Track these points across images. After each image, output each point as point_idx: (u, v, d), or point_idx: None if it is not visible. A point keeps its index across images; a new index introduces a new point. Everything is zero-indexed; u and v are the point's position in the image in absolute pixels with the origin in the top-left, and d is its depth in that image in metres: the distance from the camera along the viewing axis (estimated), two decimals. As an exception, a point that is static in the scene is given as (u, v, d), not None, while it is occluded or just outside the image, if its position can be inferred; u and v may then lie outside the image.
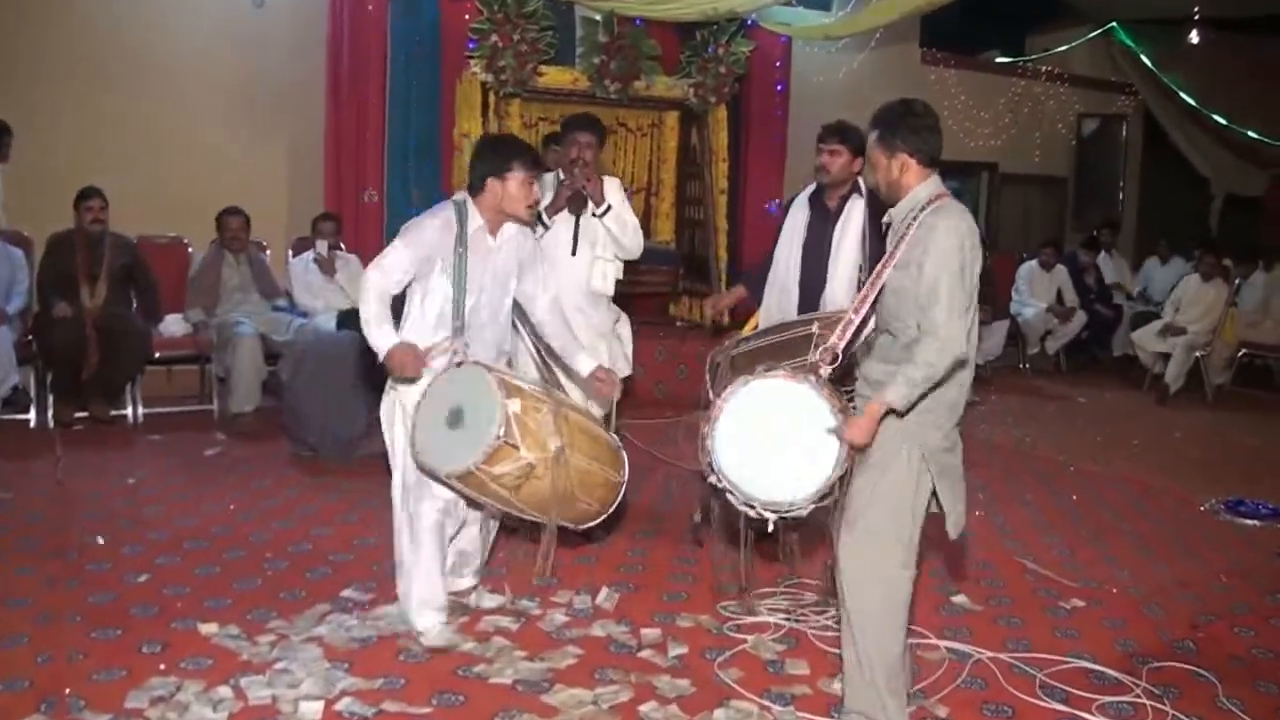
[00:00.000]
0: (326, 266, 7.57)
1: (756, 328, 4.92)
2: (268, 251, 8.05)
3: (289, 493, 5.74)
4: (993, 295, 10.41)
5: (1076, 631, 4.34)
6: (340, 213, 8.17)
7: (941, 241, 3.12)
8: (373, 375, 6.27)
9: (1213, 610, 4.68)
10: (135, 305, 7.34)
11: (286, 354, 7.07)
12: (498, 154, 3.95)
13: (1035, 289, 10.88)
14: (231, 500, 5.53)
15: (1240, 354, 10.15)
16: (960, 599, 4.59)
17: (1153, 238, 12.48)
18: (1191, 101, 12.07)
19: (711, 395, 3.88)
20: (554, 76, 8.27)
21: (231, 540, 4.92)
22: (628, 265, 5.37)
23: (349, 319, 6.84)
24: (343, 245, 7.83)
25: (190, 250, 7.89)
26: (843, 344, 3.33)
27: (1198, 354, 9.72)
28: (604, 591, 4.41)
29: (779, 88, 9.97)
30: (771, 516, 3.40)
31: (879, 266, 3.29)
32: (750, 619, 4.26)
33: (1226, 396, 9.98)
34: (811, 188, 5.01)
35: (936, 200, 3.22)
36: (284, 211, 8.44)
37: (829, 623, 4.22)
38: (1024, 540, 5.48)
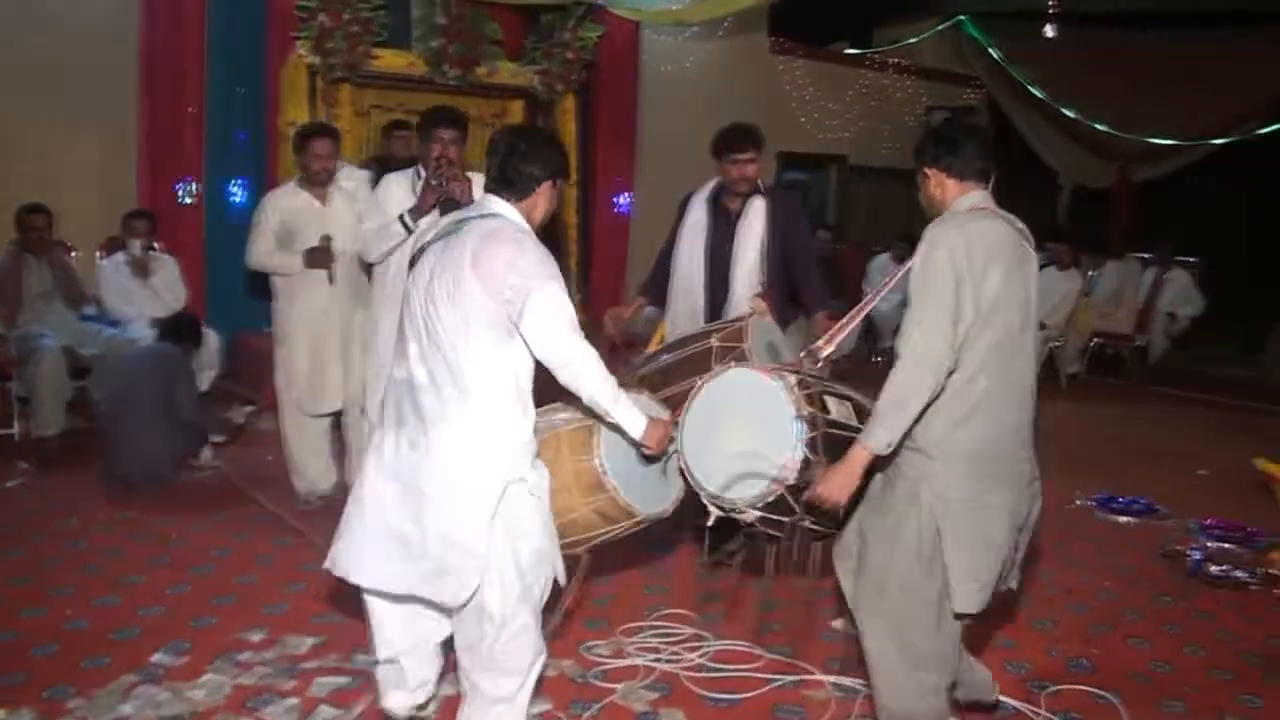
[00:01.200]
0: (140, 269, 6.93)
1: (664, 339, 4.68)
2: (74, 253, 7.31)
3: (97, 532, 5.08)
4: (839, 289, 10.25)
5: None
6: (155, 209, 7.47)
7: (924, 252, 2.86)
8: (177, 405, 5.78)
9: (1104, 620, 4.50)
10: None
11: (96, 369, 6.46)
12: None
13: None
14: (31, 543, 4.87)
15: (1092, 343, 10.28)
16: (838, 623, 4.24)
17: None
18: (1040, 95, 12.12)
19: None
20: (388, 60, 7.75)
21: (28, 594, 4.28)
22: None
23: (174, 329, 6.26)
24: (157, 245, 7.17)
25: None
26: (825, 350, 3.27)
27: (1052, 345, 9.73)
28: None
29: (628, 76, 9.59)
30: (715, 511, 3.22)
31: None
32: (618, 663, 3.84)
33: (1080, 386, 10.07)
34: (710, 186, 4.86)
35: (970, 212, 2.97)
36: (93, 209, 7.65)
37: (703, 660, 3.85)
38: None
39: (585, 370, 2.93)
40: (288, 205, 5.41)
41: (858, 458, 2.87)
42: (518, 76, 8.24)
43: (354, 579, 3.03)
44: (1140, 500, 6.08)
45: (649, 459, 3.26)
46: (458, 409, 2.87)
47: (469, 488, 2.87)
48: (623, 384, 3.06)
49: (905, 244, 10.55)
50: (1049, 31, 11.57)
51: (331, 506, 5.29)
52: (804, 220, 4.91)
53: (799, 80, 12.07)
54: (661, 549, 5.05)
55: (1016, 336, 2.94)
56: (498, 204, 3.00)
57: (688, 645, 3.98)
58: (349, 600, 4.20)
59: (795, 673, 3.80)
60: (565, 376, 2.94)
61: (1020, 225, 3.04)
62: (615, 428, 3.09)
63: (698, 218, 4.85)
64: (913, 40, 13.08)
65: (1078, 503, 6.12)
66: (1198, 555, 5.26)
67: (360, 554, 2.99)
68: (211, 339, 7.02)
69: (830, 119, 12.34)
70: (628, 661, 3.84)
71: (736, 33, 11.06)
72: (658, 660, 3.85)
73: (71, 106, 7.70)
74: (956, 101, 13.68)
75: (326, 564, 3.07)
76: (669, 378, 3.79)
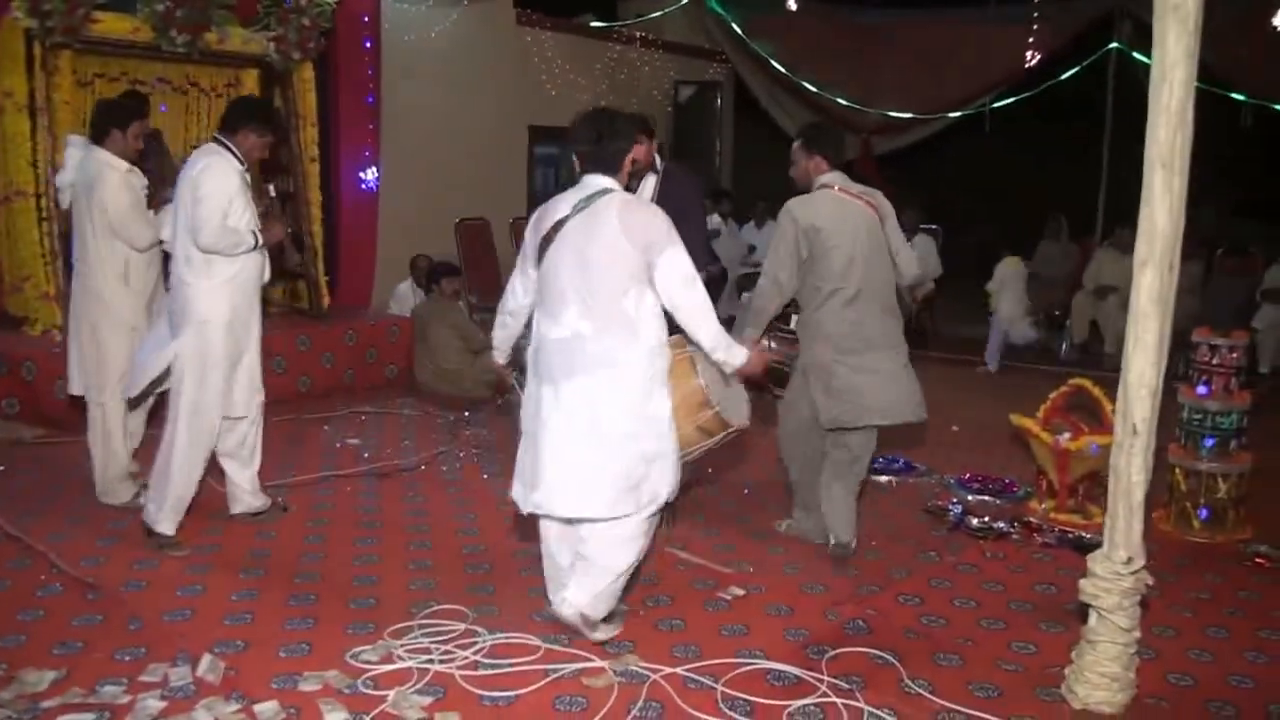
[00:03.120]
0: None
1: None
2: None
3: None
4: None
5: (744, 626, 4.04)
6: None
7: None
8: None
9: (873, 580, 4.57)
10: None
11: None
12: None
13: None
14: None
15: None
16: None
17: (748, 202, 12.67)
18: (780, 68, 12.36)
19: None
20: (110, 25, 7.07)
21: None
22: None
23: None
24: None
25: None
26: None
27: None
28: (206, 659, 3.58)
29: (367, 44, 9.16)
30: None
31: None
32: (387, 667, 3.60)
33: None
34: None
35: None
36: None
37: (478, 658, 3.67)
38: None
39: (704, 315, 3.64)
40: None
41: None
42: (251, 44, 7.70)
43: (551, 511, 3.67)
44: (898, 459, 6.24)
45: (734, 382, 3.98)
46: (625, 353, 3.55)
47: (646, 415, 3.60)
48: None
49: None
50: (791, 3, 11.78)
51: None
52: (696, 194, 5.24)
53: (547, 53, 11.89)
54: (422, 543, 4.85)
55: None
56: (605, 180, 3.64)
57: (460, 642, 3.78)
58: (94, 626, 3.84)
59: (575, 661, 3.66)
60: (684, 318, 3.64)
61: None
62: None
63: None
64: (656, 15, 13.07)
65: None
66: (959, 510, 5.45)
67: (553, 490, 3.60)
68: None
69: (579, 93, 12.22)
70: (397, 666, 3.61)
71: (481, 2, 10.80)
72: (429, 662, 3.63)
73: None
74: (703, 76, 13.83)
75: (524, 509, 3.70)
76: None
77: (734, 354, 3.73)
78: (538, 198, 11.86)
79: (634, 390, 3.58)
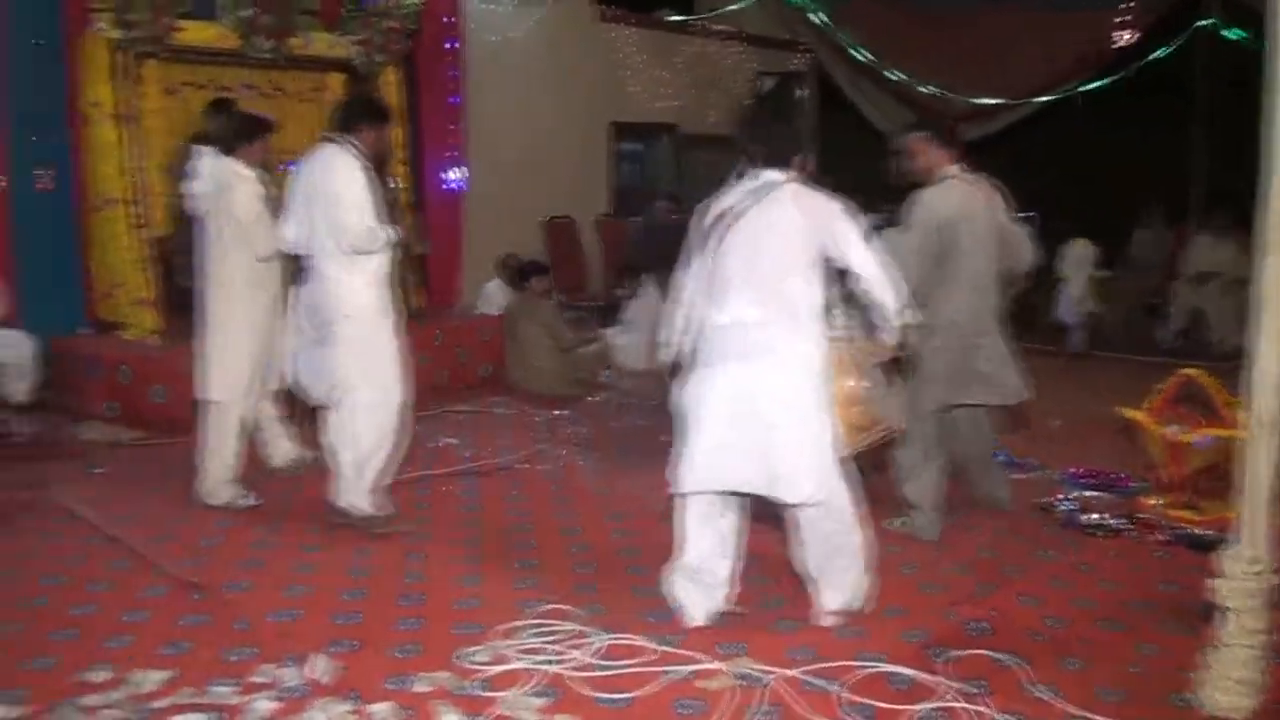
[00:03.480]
0: None
1: None
2: None
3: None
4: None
5: (862, 628, 3.89)
6: None
7: None
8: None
9: (990, 579, 4.41)
10: None
11: None
12: None
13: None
14: None
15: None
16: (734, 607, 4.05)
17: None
18: (863, 58, 12.16)
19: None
20: (195, 33, 7.17)
21: None
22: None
23: None
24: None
25: None
26: None
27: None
28: (318, 659, 3.53)
29: (451, 45, 9.16)
30: None
31: None
32: (499, 668, 3.53)
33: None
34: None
35: None
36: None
37: (591, 659, 3.58)
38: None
39: (889, 276, 3.75)
40: None
41: None
42: (335, 47, 7.75)
43: (712, 486, 3.73)
44: (1000, 453, 6.05)
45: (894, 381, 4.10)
46: (791, 338, 3.64)
47: (810, 402, 3.65)
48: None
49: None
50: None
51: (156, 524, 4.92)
52: None
53: (628, 49, 11.82)
54: (525, 542, 4.79)
55: None
56: (778, 174, 3.74)
57: (572, 643, 3.70)
58: (201, 627, 3.83)
59: (689, 663, 3.57)
60: (869, 280, 3.73)
61: None
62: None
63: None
64: (735, 7, 12.94)
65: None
66: (1070, 506, 5.25)
67: (714, 466, 3.68)
68: (26, 344, 6.40)
69: (661, 87, 12.14)
70: (510, 667, 3.53)
71: (563, 0, 10.77)
72: (542, 663, 3.56)
73: None
74: (785, 67, 13.66)
75: (685, 487, 3.75)
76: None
77: (905, 318, 3.87)
78: (621, 195, 11.82)
79: (807, 377, 3.65)
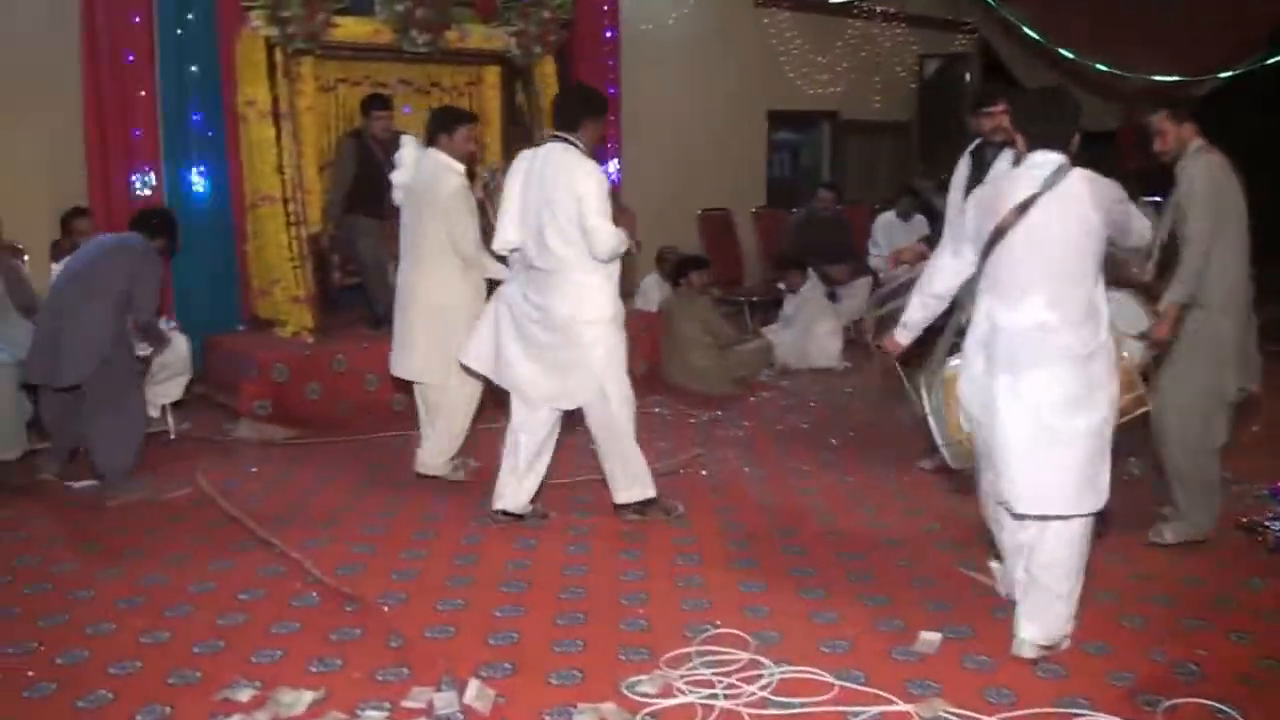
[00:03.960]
0: None
1: None
2: (25, 258, 6.64)
3: (61, 571, 4.41)
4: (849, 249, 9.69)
5: (1061, 667, 3.50)
6: (110, 203, 6.96)
7: None
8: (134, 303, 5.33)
9: (1197, 612, 3.97)
10: None
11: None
12: None
13: (894, 242, 10.17)
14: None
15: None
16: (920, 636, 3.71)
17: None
18: (1036, 37, 11.55)
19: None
20: (350, 28, 7.13)
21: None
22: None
23: (144, 219, 5.69)
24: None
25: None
26: None
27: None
28: (473, 685, 3.32)
29: (607, 34, 8.97)
30: None
31: None
32: (667, 701, 3.27)
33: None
34: (975, 143, 5.21)
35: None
36: (43, 207, 6.90)
37: (765, 694, 3.30)
38: (955, 538, 4.67)
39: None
40: None
41: None
42: (492, 40, 7.63)
43: (1034, 510, 3.46)
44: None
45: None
46: (1090, 343, 3.41)
47: (1103, 406, 3.44)
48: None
49: (911, 199, 9.99)
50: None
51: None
52: None
53: (786, 34, 11.45)
54: (690, 555, 4.53)
55: None
56: (1059, 157, 3.45)
57: (745, 675, 3.42)
58: (353, 642, 3.68)
59: (875, 703, 3.25)
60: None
61: None
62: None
63: (962, 169, 5.23)
64: (896, -15, 12.47)
65: (1135, 472, 5.55)
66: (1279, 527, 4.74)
67: (1016, 486, 3.43)
68: (181, 343, 6.42)
69: (820, 73, 11.75)
70: (680, 700, 3.27)
71: (719, -15, 10.51)
72: (713, 697, 3.28)
73: (14, 101, 7.04)
74: (949, 49, 13.10)
75: (1012, 502, 3.48)
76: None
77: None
78: (778, 185, 11.49)
79: (1096, 381, 3.44)
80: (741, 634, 3.69)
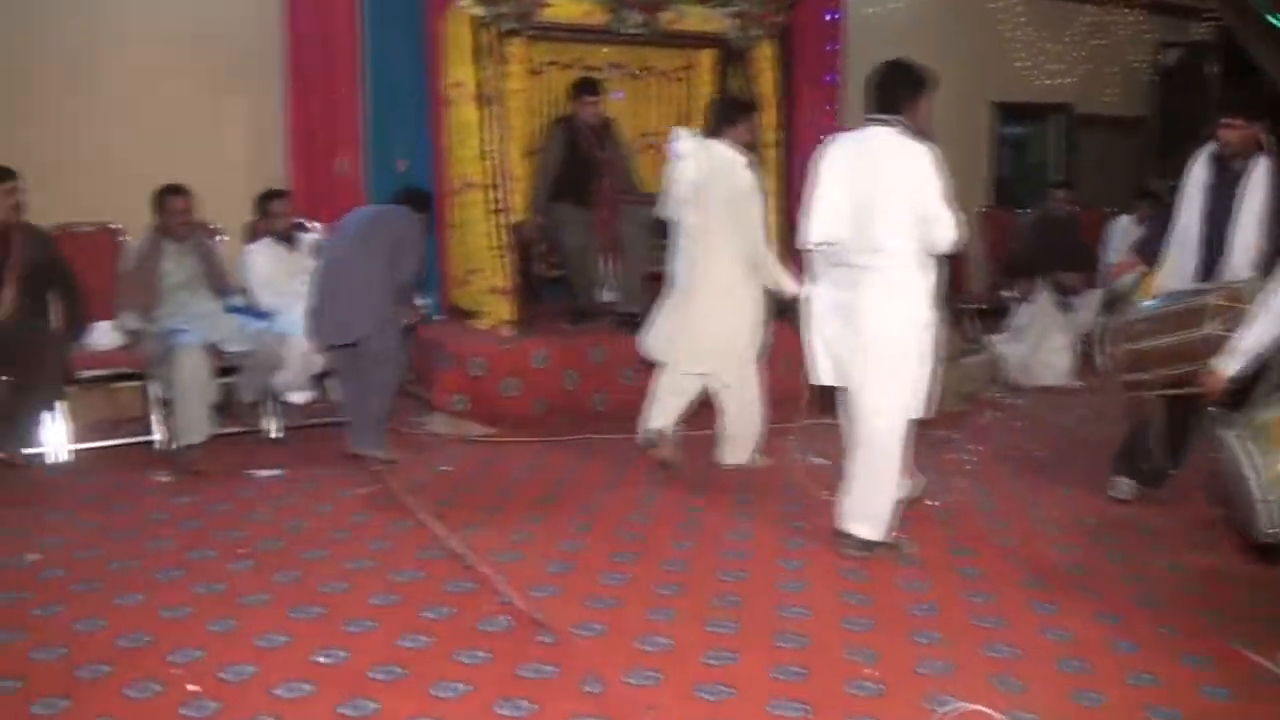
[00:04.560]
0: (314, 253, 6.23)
1: (1152, 293, 4.89)
2: (220, 238, 6.56)
3: (240, 571, 4.20)
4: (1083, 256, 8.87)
5: None
6: (310, 186, 6.91)
7: None
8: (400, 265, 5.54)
9: None
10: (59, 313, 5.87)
11: (247, 367, 5.86)
12: None
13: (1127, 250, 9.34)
14: (158, 592, 3.97)
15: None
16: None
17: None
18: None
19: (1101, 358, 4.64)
20: (563, 8, 6.81)
21: (141, 666, 3.40)
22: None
23: (407, 194, 5.83)
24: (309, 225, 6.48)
25: (124, 240, 6.36)
26: None
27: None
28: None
29: (830, 17, 8.44)
30: None
31: None
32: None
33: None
34: (1212, 145, 4.88)
35: None
36: (239, 188, 6.76)
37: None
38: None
39: None
40: None
41: None
42: (710, 22, 7.19)
43: None
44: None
45: None
46: None
47: None
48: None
49: (1151, 201, 9.07)
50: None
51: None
52: None
53: (1017, 19, 10.64)
54: (925, 607, 3.97)
55: None
56: None
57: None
58: (544, 681, 3.21)
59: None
60: None
61: None
62: None
63: (1199, 174, 4.88)
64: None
65: None
66: None
67: None
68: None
69: (1052, 62, 10.89)
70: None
71: (947, -33, 9.81)
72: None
73: (215, 79, 7.00)
74: (1189, 37, 12.02)
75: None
76: (1158, 327, 4.49)
77: None
78: (1004, 184, 10.73)
79: None
80: (991, 713, 3.12)
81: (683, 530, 4.64)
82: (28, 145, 6.04)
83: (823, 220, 4.30)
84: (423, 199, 5.86)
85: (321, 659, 3.40)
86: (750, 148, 5.32)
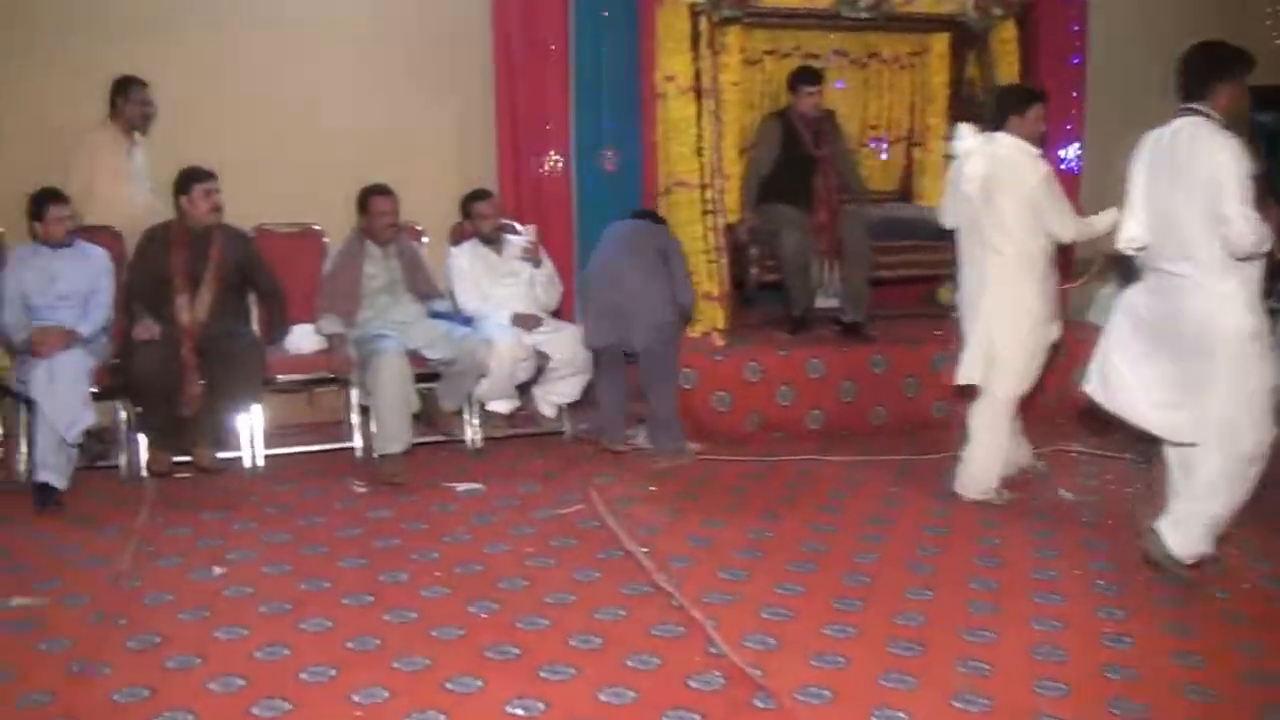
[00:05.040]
0: (533, 256, 6.04)
1: None
2: (424, 240, 6.35)
3: (429, 598, 3.91)
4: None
5: None
6: (518, 185, 6.65)
7: None
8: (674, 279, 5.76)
9: None
10: (255, 316, 5.82)
11: (449, 375, 5.66)
12: None
13: None
14: (346, 620, 3.72)
15: None
16: None
17: None
18: None
19: None
20: (783, -8, 6.37)
21: (322, 707, 3.12)
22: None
23: (645, 212, 6.07)
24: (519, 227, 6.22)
25: (326, 242, 6.20)
26: None
27: None
28: None
29: (1078, -3, 7.73)
30: None
31: None
32: None
33: None
34: None
35: None
36: (445, 187, 6.54)
37: None
38: None
39: None
40: None
41: None
42: (944, 3, 6.61)
43: None
44: None
45: None
46: None
47: None
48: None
49: None
50: None
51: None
52: None
53: (1278, -8, 9.60)
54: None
55: None
56: None
57: None
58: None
59: None
60: None
61: None
62: None
63: None
64: None
65: None
66: None
67: None
68: (577, 341, 5.94)
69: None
70: None
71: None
72: None
73: (421, 76, 6.81)
74: None
75: None
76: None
77: None
78: (1270, 181, 9.68)
79: None
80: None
81: (919, 574, 4.10)
82: (227, 146, 5.95)
83: (1131, 224, 4.06)
84: (658, 215, 6.08)
85: (518, 710, 3.06)
86: (1039, 140, 4.90)
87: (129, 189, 5.94)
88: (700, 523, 4.70)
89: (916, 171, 7.51)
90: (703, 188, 6.30)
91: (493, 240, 6.05)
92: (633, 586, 3.96)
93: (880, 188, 7.38)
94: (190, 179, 5.39)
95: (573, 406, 6.09)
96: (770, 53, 7.11)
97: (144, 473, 5.27)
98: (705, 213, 6.31)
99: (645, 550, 4.29)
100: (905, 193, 7.55)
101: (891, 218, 6.81)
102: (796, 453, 5.70)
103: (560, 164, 6.75)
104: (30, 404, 5.02)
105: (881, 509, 4.88)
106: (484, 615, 3.71)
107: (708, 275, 6.30)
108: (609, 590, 3.94)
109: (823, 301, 6.75)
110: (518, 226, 6.22)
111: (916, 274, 6.96)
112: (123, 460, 5.39)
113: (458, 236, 6.24)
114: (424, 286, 5.90)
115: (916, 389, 6.22)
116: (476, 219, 6.02)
